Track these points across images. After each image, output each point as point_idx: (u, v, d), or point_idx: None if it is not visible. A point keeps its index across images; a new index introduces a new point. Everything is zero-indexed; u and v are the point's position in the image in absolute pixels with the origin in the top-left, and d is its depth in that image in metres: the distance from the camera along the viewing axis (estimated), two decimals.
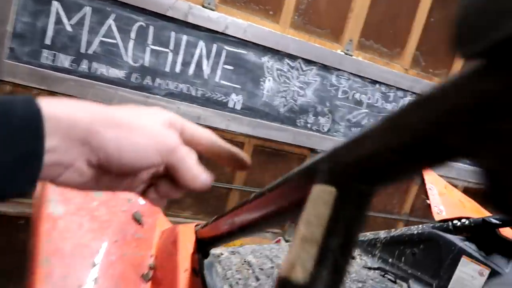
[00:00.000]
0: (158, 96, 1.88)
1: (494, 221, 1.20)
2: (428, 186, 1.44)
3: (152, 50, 1.84)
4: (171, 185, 0.38)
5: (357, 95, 2.33)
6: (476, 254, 1.20)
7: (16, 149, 0.28)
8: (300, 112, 2.22)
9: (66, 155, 0.31)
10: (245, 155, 0.41)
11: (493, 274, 1.16)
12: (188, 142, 0.38)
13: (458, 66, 2.54)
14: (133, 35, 1.78)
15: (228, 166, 0.42)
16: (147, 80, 1.86)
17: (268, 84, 2.10)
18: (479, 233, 1.24)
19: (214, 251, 1.17)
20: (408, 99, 2.46)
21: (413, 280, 1.27)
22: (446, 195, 1.40)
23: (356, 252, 1.35)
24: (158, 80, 1.87)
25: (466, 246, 1.22)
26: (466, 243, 1.23)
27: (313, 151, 2.32)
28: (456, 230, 1.25)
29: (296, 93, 2.18)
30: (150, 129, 0.34)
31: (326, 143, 2.28)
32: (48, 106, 0.30)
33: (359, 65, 2.26)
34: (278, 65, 2.09)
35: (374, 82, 2.33)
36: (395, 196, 2.68)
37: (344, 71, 2.23)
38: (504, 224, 1.20)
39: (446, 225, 1.27)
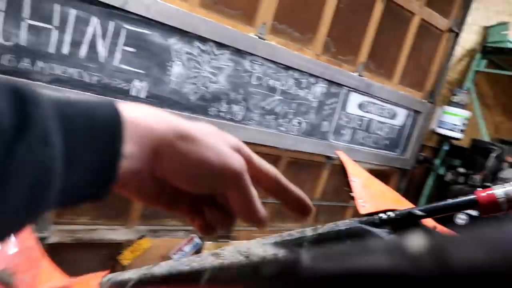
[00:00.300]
0: (41, 83, 1.55)
1: (419, 212, 1.17)
2: (351, 179, 1.38)
3: (30, 26, 1.49)
4: (223, 214, 0.37)
5: (271, 82, 2.23)
6: None
7: (96, 153, 0.29)
8: (212, 100, 2.05)
9: (138, 162, 0.31)
10: (308, 200, 0.38)
11: None
12: (253, 175, 0.36)
13: (364, 53, 2.59)
14: (2, 5, 1.42)
15: (291, 211, 0.38)
16: (25, 63, 1.51)
17: (176, 69, 1.88)
18: (404, 225, 1.21)
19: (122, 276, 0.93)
20: (320, 85, 2.44)
21: None
22: (369, 187, 1.36)
23: (282, 253, 1.25)
24: (39, 63, 1.54)
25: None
26: (392, 236, 1.20)
27: None
28: (382, 224, 1.21)
29: (207, 79, 2.00)
30: (220, 149, 0.34)
31: (240, 133, 2.14)
32: (127, 111, 0.31)
33: (272, 50, 2.15)
34: (187, 48, 1.88)
35: (287, 68, 2.26)
36: (306, 182, 2.68)
37: (258, 56, 2.11)
38: (428, 215, 1.18)
39: (373, 218, 1.22)
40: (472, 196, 1.11)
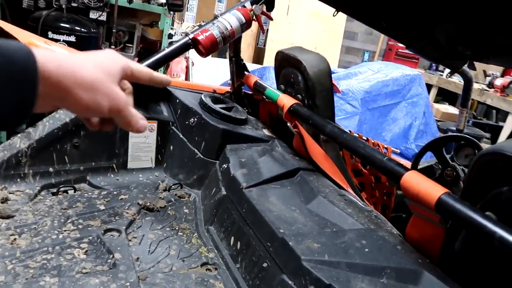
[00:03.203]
0: None
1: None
2: None
3: None
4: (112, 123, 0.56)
5: None
6: (140, 112, 1.12)
7: (14, 92, 0.39)
8: None
9: (46, 100, 0.44)
10: (164, 78, 0.63)
11: (162, 124, 1.16)
12: (136, 79, 0.58)
13: None
14: None
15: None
16: None
17: None
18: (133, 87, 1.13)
19: None
20: None
21: (90, 174, 1.05)
22: None
23: (0, 188, 0.91)
24: None
25: None
26: None
27: None
28: None
29: None
30: (108, 92, 0.49)
31: None
32: (41, 56, 0.42)
33: None
34: None
35: None
36: None
37: None
38: (154, 69, 1.14)
39: None
40: (187, 39, 1.15)
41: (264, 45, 6.42)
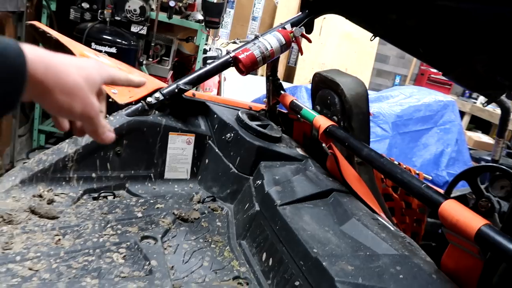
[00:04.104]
0: None
1: (187, 87, 1.15)
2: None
3: None
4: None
5: None
6: (179, 125, 1.16)
7: (3, 85, 0.43)
8: None
9: (29, 95, 0.47)
10: (140, 80, 0.67)
11: (199, 137, 1.20)
12: (115, 85, 0.63)
13: None
14: None
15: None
16: None
17: None
18: (174, 102, 1.17)
19: None
20: None
21: (129, 182, 1.09)
22: None
23: (47, 190, 0.96)
24: None
25: (169, 121, 1.14)
26: (167, 118, 1.15)
27: None
28: (151, 108, 1.12)
29: None
30: (85, 102, 0.53)
31: None
32: (30, 54, 0.45)
33: None
34: None
35: None
36: None
37: None
38: (194, 86, 1.18)
39: (140, 107, 1.10)
40: (228, 57, 1.19)
41: (295, 64, 6.48)
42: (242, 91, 4.23)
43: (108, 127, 0.59)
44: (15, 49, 0.44)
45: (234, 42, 4.49)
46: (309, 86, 3.75)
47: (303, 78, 6.35)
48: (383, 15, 1.37)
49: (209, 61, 3.74)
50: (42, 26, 1.16)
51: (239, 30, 6.48)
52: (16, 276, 0.69)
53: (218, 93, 3.96)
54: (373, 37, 1.50)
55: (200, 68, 1.18)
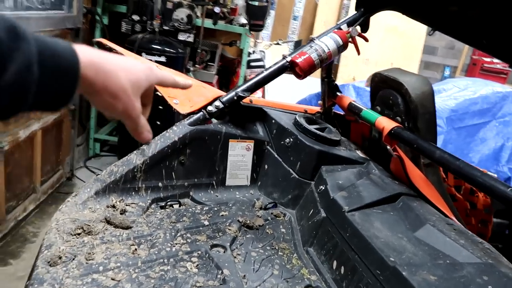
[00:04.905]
0: None
1: (245, 93, 1.16)
2: None
3: None
4: None
5: None
6: (238, 132, 1.17)
7: (59, 83, 0.49)
8: None
9: (81, 93, 0.54)
10: (187, 82, 0.72)
11: (258, 143, 1.20)
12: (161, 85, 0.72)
13: None
14: None
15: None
16: None
17: None
18: (233, 109, 1.18)
19: None
20: None
21: (193, 190, 1.11)
22: None
23: (119, 200, 0.99)
24: None
25: (229, 128, 1.15)
26: (227, 126, 1.15)
27: None
28: (212, 117, 1.13)
29: None
30: (128, 104, 0.58)
31: None
32: (83, 54, 0.50)
33: None
34: None
35: None
36: None
37: None
38: (252, 92, 1.18)
39: (201, 115, 1.12)
40: (284, 62, 1.18)
41: (338, 62, 6.36)
42: (285, 91, 4.21)
43: (148, 128, 0.63)
44: (70, 54, 0.49)
45: (277, 44, 4.49)
46: (357, 84, 3.67)
47: (346, 75, 6.21)
48: (443, 8, 1.30)
49: (260, 65, 3.75)
50: (108, 42, 1.22)
51: (280, 31, 6.46)
52: (101, 286, 0.72)
53: (263, 95, 3.97)
54: (432, 31, 1.44)
55: (258, 75, 1.18)
